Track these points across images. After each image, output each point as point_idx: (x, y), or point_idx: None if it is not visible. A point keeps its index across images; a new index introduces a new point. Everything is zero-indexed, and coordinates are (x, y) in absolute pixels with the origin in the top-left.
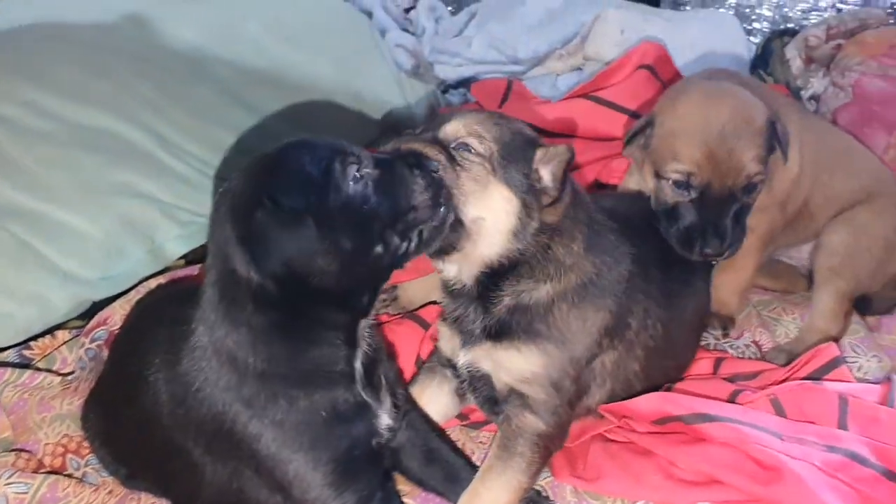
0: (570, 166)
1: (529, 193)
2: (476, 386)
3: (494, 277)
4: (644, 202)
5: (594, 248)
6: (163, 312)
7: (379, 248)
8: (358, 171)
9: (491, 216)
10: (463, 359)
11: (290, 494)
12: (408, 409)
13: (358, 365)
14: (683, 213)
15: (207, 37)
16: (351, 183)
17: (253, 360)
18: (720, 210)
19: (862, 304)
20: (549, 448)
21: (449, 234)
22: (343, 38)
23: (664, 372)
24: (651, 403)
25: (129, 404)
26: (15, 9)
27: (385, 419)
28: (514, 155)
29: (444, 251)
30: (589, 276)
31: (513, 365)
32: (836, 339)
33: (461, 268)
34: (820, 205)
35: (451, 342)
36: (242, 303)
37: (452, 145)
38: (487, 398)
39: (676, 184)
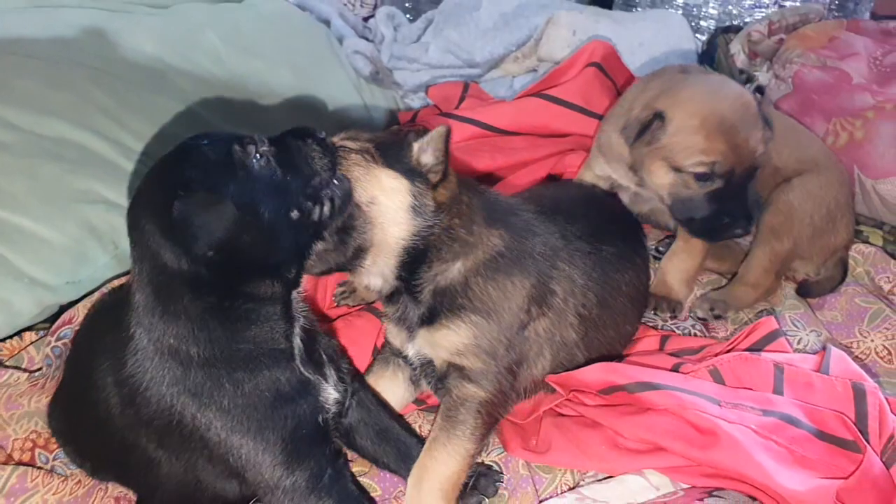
0: (450, 141)
1: (415, 174)
2: (427, 371)
3: (411, 269)
4: (580, 187)
5: (498, 224)
6: (113, 316)
7: (295, 213)
8: (256, 150)
9: (383, 195)
10: (411, 350)
11: (245, 478)
12: (357, 389)
13: (297, 341)
14: (705, 203)
15: (166, 48)
16: (254, 161)
17: (196, 350)
18: (742, 192)
19: (804, 289)
20: (492, 415)
21: (356, 229)
22: (301, 47)
23: (606, 342)
24: (595, 374)
25: (86, 406)
26: None
27: (331, 393)
28: (392, 145)
29: (360, 252)
30: (497, 249)
31: (446, 341)
32: (764, 299)
33: (381, 268)
34: (769, 175)
35: (398, 337)
36: (178, 295)
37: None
38: (439, 381)
39: (701, 176)
